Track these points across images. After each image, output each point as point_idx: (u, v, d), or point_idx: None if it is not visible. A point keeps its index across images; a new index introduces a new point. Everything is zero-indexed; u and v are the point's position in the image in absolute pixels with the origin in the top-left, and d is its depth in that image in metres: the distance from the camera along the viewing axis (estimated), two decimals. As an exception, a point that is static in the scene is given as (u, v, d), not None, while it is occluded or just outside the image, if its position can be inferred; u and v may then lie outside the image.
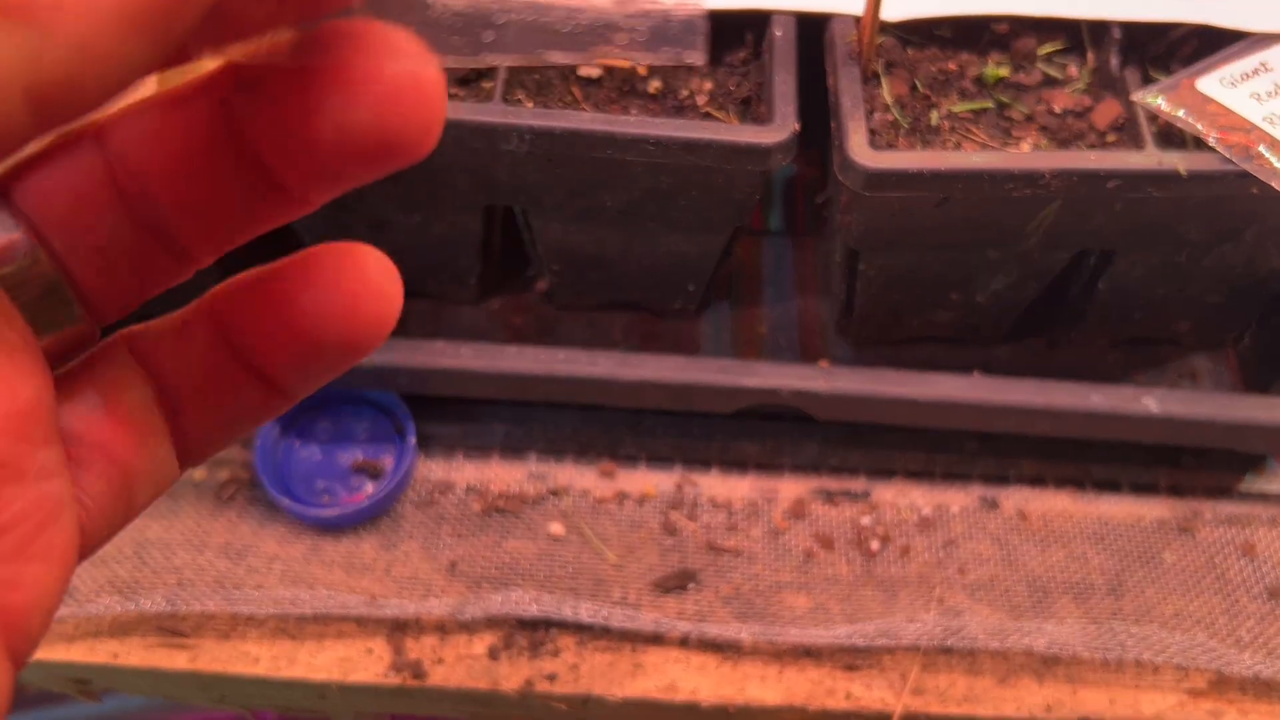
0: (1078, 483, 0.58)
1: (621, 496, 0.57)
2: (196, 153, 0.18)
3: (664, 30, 0.18)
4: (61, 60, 0.14)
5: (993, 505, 0.57)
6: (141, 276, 0.19)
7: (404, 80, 0.16)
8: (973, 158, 0.48)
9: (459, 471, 0.57)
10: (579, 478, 0.58)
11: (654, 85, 0.53)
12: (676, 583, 0.55)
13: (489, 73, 0.52)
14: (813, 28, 0.53)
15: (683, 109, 0.52)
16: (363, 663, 0.52)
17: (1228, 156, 0.47)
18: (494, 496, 0.57)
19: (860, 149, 0.48)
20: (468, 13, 0.18)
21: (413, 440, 0.56)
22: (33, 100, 0.14)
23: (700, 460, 0.59)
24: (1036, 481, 0.58)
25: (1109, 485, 0.58)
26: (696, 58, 0.18)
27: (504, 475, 0.58)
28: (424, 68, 0.17)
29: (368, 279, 0.19)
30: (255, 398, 0.20)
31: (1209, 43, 0.52)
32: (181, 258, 0.19)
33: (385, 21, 0.17)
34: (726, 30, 0.54)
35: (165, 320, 0.21)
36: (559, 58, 0.18)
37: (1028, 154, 0.49)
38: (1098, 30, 0.53)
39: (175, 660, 0.52)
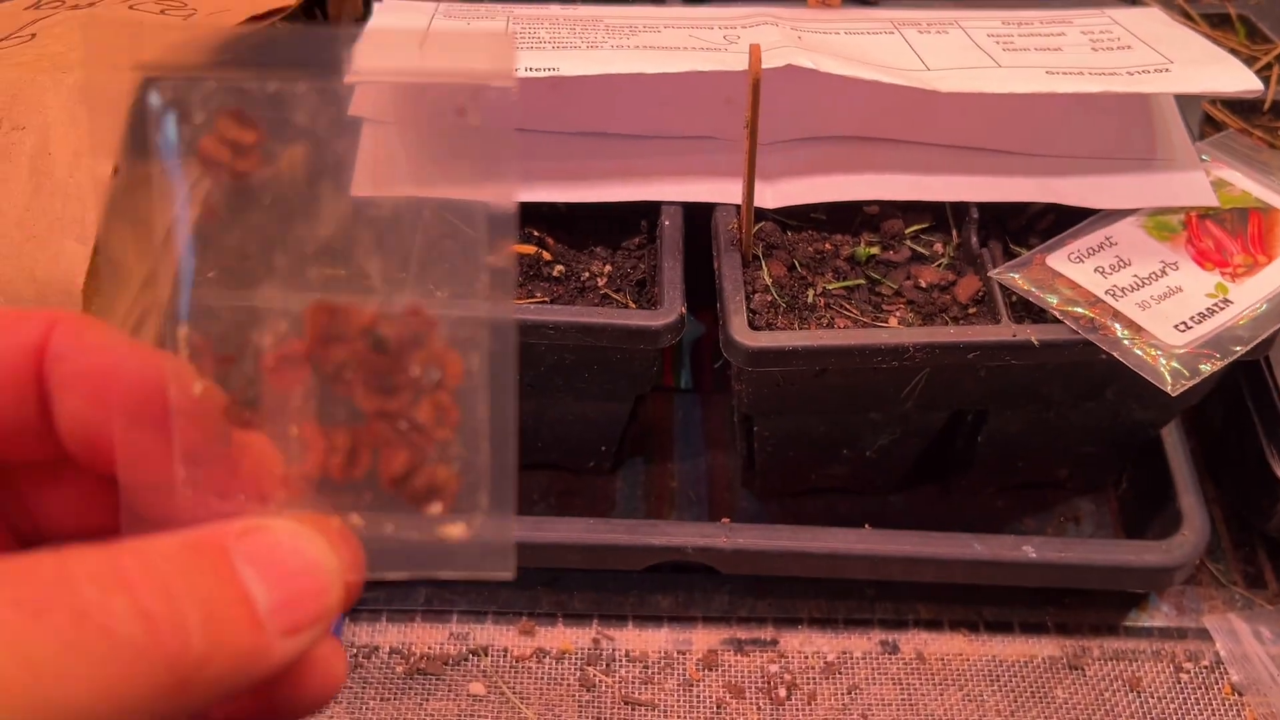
0: (971, 624, 0.61)
1: (540, 654, 0.60)
2: None
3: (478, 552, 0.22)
4: None
5: (893, 649, 0.60)
6: None
7: None
8: (843, 335, 0.52)
9: (383, 634, 0.60)
10: (499, 636, 0.60)
11: (558, 269, 0.57)
12: (593, 737, 0.57)
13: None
14: (702, 212, 0.58)
15: (584, 290, 0.57)
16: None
17: (1074, 329, 0.52)
18: (417, 658, 0.59)
19: (741, 329, 0.52)
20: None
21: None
22: None
23: (616, 615, 0.61)
24: (933, 624, 0.61)
25: (1001, 625, 0.61)
26: (506, 576, 0.21)
27: (426, 636, 0.60)
28: None
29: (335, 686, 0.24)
30: None
31: (1063, 217, 0.57)
32: None
33: None
34: (624, 218, 0.59)
35: None
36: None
37: (894, 329, 0.53)
38: (960, 210, 0.58)
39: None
